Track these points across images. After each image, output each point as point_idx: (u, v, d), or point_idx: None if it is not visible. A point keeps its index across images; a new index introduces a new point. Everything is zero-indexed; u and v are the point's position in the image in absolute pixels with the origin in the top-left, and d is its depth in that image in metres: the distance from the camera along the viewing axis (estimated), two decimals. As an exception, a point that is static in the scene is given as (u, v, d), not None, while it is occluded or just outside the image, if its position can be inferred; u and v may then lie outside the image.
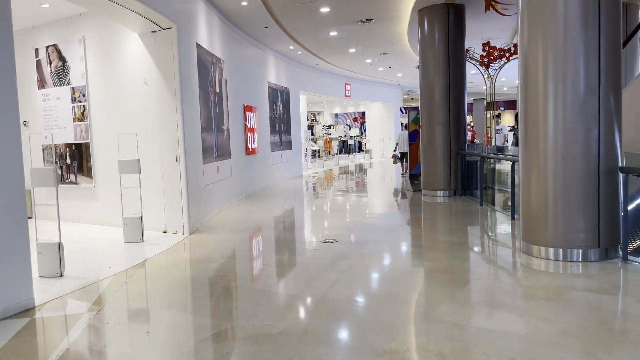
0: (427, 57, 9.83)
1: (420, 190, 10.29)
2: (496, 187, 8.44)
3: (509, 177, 8.44)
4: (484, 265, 4.92)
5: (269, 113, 13.17)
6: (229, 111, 9.79)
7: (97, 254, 5.87)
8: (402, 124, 24.95)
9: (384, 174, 17.48)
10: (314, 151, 23.97)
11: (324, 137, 25.31)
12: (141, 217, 6.40)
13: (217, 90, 8.96)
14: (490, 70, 11.79)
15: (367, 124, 25.63)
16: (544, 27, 4.84)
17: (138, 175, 6.39)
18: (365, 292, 4.10)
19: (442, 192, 9.69)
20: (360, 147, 28.64)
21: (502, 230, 6.63)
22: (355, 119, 36.71)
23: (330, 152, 25.90)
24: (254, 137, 11.62)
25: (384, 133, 24.66)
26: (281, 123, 14.29)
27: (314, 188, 13.23)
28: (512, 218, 6.88)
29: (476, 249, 5.77)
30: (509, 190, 7.14)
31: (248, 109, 11.26)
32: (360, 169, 19.59)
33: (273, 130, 13.51)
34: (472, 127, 32.84)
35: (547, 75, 4.81)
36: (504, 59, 11.61)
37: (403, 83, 23.91)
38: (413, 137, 10.93)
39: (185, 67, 6.97)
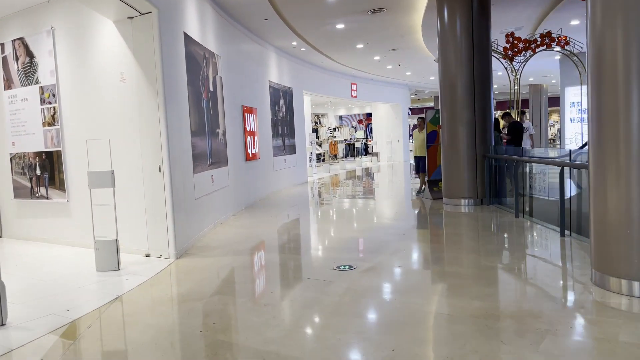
0: (447, 49, 8.70)
1: (441, 198, 9.16)
2: (535, 195, 7.31)
3: (541, 182, 7.35)
4: (551, 305, 3.79)
5: (270, 115, 12.08)
6: (226, 113, 8.70)
7: (60, 289, 4.76)
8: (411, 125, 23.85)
9: (394, 178, 16.35)
10: (318, 155, 22.87)
11: (329, 140, 24.21)
12: (116, 240, 5.30)
13: (211, 89, 7.87)
14: (514, 64, 10.65)
15: (373, 126, 24.52)
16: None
17: (112, 190, 5.30)
18: (406, 357, 2.98)
19: (466, 200, 8.56)
20: (366, 150, 27.51)
21: (554, 252, 5.48)
22: (360, 121, 35.61)
23: (335, 156, 24.80)
24: (254, 142, 10.53)
25: (392, 135, 23.54)
26: (284, 125, 13.20)
27: (320, 196, 12.11)
28: (562, 234, 5.74)
29: (530, 279, 4.64)
30: (554, 199, 6.02)
31: (247, 110, 10.17)
32: (369, 173, 18.47)
33: (275, 134, 12.42)
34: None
35: (630, 60, 3.69)
36: (529, 51, 10.49)
37: (411, 82, 22.81)
38: (431, 139, 9.81)
39: (169, 60, 5.88)
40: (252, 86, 10.80)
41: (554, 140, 28.56)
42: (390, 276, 4.73)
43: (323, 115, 31.46)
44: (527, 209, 7.28)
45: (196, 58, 7.13)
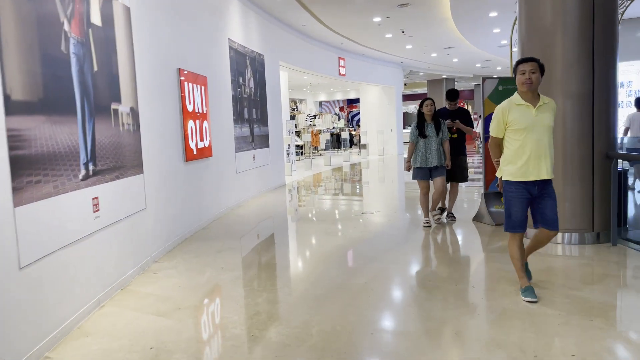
0: (539, -35, 4.93)
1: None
2: None
3: None
4: None
5: (232, 90, 8.13)
6: (139, 77, 4.75)
7: None
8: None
9: (398, 179, 12.60)
10: (297, 147, 18.98)
11: (310, 129, 20.31)
12: None
13: (97, 23, 3.91)
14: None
15: (362, 113, 20.74)
16: None
17: None
18: None
19: (570, 234, 4.86)
20: (352, 141, 23.74)
21: None
22: (341, 108, 31.82)
23: (316, 148, 20.94)
24: (202, 130, 6.58)
25: (384, 124, 19.81)
26: (253, 107, 9.26)
27: (304, 211, 8.25)
28: None
29: None
30: None
31: (189, 78, 6.22)
32: (361, 171, 14.72)
33: (240, 119, 8.47)
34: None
35: None
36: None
37: (407, 60, 19.05)
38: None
39: None
40: (199, 41, 6.83)
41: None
42: None
43: (301, 100, 27.52)
44: None
45: (42, -61, 3.16)
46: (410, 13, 11.08)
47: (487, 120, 6.00)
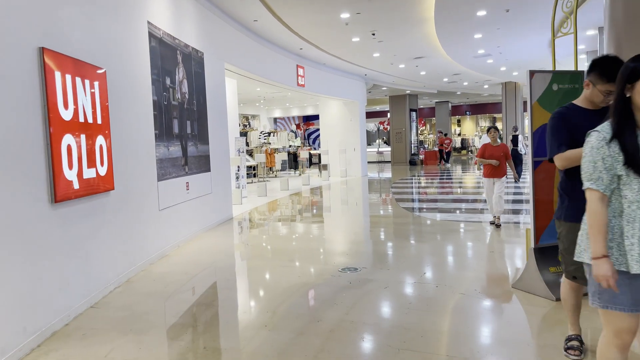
0: None
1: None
2: None
3: None
4: None
5: (152, 94, 5.76)
6: None
7: None
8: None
9: (368, 207, 10.45)
10: (249, 167, 16.63)
11: (264, 148, 17.99)
12: None
13: None
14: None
15: (322, 129, 18.64)
16: None
17: None
18: None
19: None
20: (310, 161, 21.59)
21: None
22: (298, 126, 29.71)
23: (271, 169, 18.63)
24: (93, 150, 4.18)
25: (347, 142, 17.80)
26: (186, 119, 6.89)
27: (258, 263, 5.91)
28: None
29: None
30: None
31: (68, 66, 3.82)
32: (322, 194, 12.52)
33: (166, 134, 6.09)
34: (445, 134, 26.55)
35: None
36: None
37: (372, 73, 17.18)
38: (542, 145, 3.94)
39: None
40: (91, 13, 4.46)
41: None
42: None
43: (254, 117, 25.18)
44: None
45: None
46: (387, 8, 9.10)
47: (538, 136, 3.93)
